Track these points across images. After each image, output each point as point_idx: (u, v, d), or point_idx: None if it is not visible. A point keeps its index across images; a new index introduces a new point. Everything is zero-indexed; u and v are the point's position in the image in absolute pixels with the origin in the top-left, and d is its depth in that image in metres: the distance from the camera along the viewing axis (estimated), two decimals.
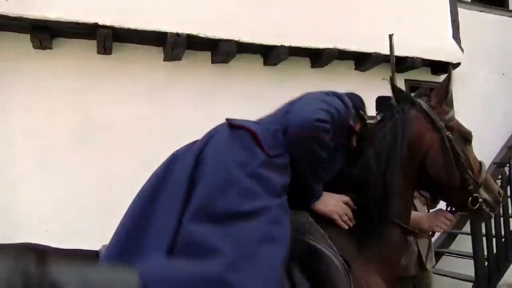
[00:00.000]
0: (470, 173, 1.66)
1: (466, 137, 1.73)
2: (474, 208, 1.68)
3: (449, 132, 1.66)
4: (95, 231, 4.00)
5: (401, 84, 5.59)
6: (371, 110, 5.44)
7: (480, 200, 1.68)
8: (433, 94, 1.75)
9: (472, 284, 4.39)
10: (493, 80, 6.39)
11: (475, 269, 4.33)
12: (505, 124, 6.33)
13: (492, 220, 4.44)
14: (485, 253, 4.35)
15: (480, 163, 1.76)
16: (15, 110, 3.90)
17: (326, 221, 1.53)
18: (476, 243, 4.31)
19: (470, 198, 1.66)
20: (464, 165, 1.64)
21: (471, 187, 1.65)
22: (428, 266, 2.75)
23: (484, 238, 4.35)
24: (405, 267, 2.51)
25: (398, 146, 1.63)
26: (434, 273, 5.00)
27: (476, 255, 4.32)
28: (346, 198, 1.58)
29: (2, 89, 3.89)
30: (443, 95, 1.73)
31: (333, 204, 1.56)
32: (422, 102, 1.73)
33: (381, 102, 2.43)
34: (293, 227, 1.44)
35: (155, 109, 4.34)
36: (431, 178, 1.67)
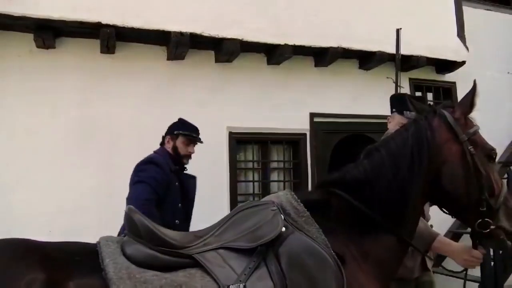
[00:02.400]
0: (487, 195, 1.57)
1: (489, 154, 1.65)
2: (484, 232, 1.60)
3: (471, 147, 1.59)
4: (98, 231, 3.98)
5: (405, 83, 5.56)
6: (373, 109, 5.47)
7: (493, 227, 1.59)
8: (457, 106, 1.71)
9: (478, 284, 4.36)
10: (499, 79, 6.33)
11: (481, 270, 4.29)
12: (511, 123, 6.28)
13: None
14: (491, 253, 4.31)
15: (502, 184, 1.66)
16: (18, 109, 3.90)
17: (320, 213, 1.54)
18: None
19: (479, 221, 1.59)
20: (483, 183, 1.57)
21: (484, 209, 1.57)
22: (429, 265, 2.73)
23: None
24: (410, 270, 2.50)
25: (424, 155, 1.58)
26: (439, 273, 4.98)
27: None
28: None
29: (5, 88, 3.89)
30: (468, 107, 1.68)
31: None
32: (446, 112, 1.68)
33: (396, 100, 2.42)
34: (289, 216, 1.49)
35: (158, 109, 4.33)
36: (445, 191, 1.61)
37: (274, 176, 5.07)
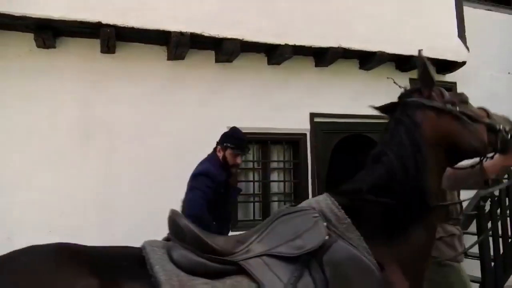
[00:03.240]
0: (489, 121, 1.79)
1: (463, 100, 1.81)
2: (505, 139, 1.82)
3: (453, 107, 1.72)
4: (99, 230, 4.00)
5: (406, 83, 5.54)
6: (372, 109, 5.42)
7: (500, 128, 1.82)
8: (422, 86, 1.81)
9: (478, 285, 4.35)
10: (499, 79, 6.33)
11: (482, 270, 4.29)
12: None
13: (499, 221, 4.41)
14: (492, 253, 4.31)
15: (482, 108, 1.88)
16: (18, 109, 3.90)
17: (355, 220, 1.54)
18: (482, 244, 4.26)
19: (500, 139, 1.80)
20: (482, 120, 1.76)
21: (495, 127, 1.79)
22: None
23: (490, 239, 4.31)
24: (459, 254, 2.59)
25: (423, 151, 1.64)
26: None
27: (482, 256, 4.27)
28: None
29: (5, 88, 3.89)
30: (430, 82, 1.78)
31: None
32: (421, 100, 1.76)
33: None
34: (330, 223, 1.49)
35: (158, 108, 4.33)
36: (461, 152, 1.74)
37: (274, 176, 5.06)
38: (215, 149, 3.40)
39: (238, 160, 3.25)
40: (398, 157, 1.63)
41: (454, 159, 1.79)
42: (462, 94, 1.85)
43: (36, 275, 1.20)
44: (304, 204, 1.67)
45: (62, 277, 1.20)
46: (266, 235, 1.52)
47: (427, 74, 1.78)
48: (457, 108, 1.73)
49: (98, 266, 1.27)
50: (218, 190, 3.16)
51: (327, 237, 1.45)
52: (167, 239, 1.50)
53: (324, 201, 1.60)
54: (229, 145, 3.24)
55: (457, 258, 2.60)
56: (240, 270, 1.38)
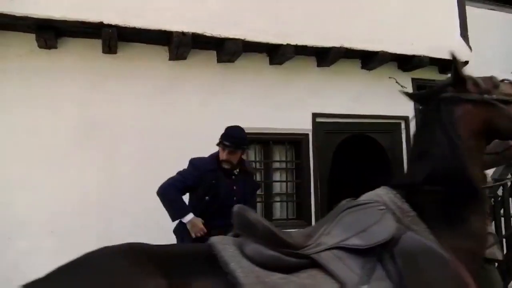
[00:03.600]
0: None
1: (495, 85, 1.81)
2: None
3: (490, 96, 1.74)
4: (100, 230, 3.99)
5: (408, 83, 5.54)
6: (375, 109, 5.43)
7: None
8: (454, 83, 1.81)
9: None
10: (502, 78, 6.30)
11: None
12: None
13: (503, 221, 4.38)
14: None
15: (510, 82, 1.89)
16: (20, 109, 3.90)
17: (420, 210, 1.53)
18: None
19: None
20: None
21: None
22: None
23: None
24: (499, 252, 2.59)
25: (459, 147, 1.66)
26: None
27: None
28: None
29: (6, 89, 3.89)
30: (461, 76, 1.79)
31: None
32: (453, 94, 1.77)
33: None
34: (395, 216, 1.48)
35: (160, 108, 4.33)
36: (501, 136, 1.81)
37: (276, 176, 5.05)
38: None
39: (225, 155, 3.24)
40: (444, 152, 1.64)
41: (489, 141, 1.83)
42: (493, 78, 1.85)
43: (109, 276, 1.20)
44: (364, 197, 1.66)
45: (135, 278, 1.20)
46: (334, 228, 1.51)
47: (459, 68, 1.79)
48: (493, 96, 1.74)
49: (170, 266, 1.26)
50: (206, 179, 3.20)
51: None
52: (234, 235, 1.49)
53: (386, 195, 1.60)
54: (219, 140, 3.29)
55: (496, 254, 2.57)
56: (312, 263, 1.38)
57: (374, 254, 1.39)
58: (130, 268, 1.23)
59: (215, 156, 3.33)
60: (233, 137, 3.25)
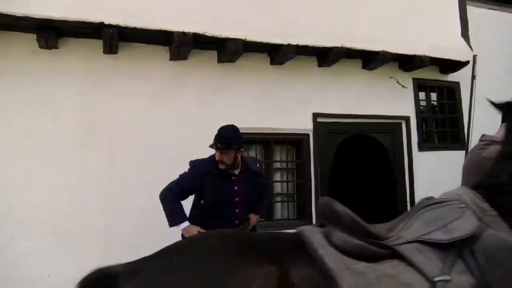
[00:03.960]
0: None
1: None
2: None
3: None
4: (100, 230, 4.00)
5: (409, 83, 5.54)
6: (376, 109, 5.44)
7: None
8: None
9: None
10: (503, 78, 6.29)
11: None
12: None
13: None
14: None
15: None
16: (20, 109, 3.89)
17: (501, 210, 1.55)
18: None
19: None
20: None
21: None
22: None
23: None
24: None
25: None
26: None
27: None
28: None
29: (7, 88, 3.89)
30: None
31: None
32: None
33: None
34: (476, 215, 1.50)
35: (161, 108, 4.33)
36: None
37: (277, 176, 5.05)
38: None
39: (218, 156, 3.21)
40: None
41: None
42: None
43: (216, 262, 1.26)
44: (442, 196, 1.68)
45: (242, 265, 1.25)
46: (414, 223, 1.54)
47: None
48: None
49: (270, 252, 1.32)
50: (202, 182, 3.18)
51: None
52: (320, 225, 1.54)
53: (465, 194, 1.62)
54: (213, 141, 3.26)
55: None
56: (394, 254, 1.41)
57: (454, 249, 1.42)
58: (232, 256, 1.28)
59: (213, 157, 3.30)
60: (224, 137, 3.21)
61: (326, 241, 1.41)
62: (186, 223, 3.09)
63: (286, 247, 1.39)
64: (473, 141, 4.08)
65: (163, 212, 3.18)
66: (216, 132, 3.27)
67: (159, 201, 3.21)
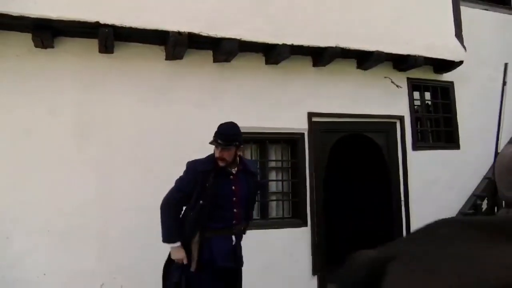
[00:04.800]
0: None
1: None
2: None
3: None
4: (97, 230, 4.01)
5: (403, 83, 5.58)
6: (371, 109, 5.48)
7: None
8: None
9: None
10: (497, 78, 6.33)
11: None
12: (509, 122, 6.29)
13: None
14: None
15: None
16: (16, 109, 3.90)
17: None
18: None
19: None
20: None
21: None
22: None
23: None
24: None
25: None
26: None
27: None
28: None
29: (3, 88, 3.89)
30: None
31: None
32: None
33: None
34: None
35: (156, 108, 4.34)
36: None
37: (272, 175, 5.08)
38: None
39: (218, 153, 3.22)
40: None
41: None
42: None
43: (469, 241, 1.25)
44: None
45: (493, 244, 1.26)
46: None
47: None
48: None
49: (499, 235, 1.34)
50: (200, 181, 3.15)
51: None
52: None
53: None
54: (213, 138, 3.26)
55: None
56: None
57: None
58: (482, 237, 1.30)
59: (211, 156, 3.30)
60: (224, 134, 3.22)
61: None
62: (178, 244, 3.12)
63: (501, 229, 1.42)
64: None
65: (160, 220, 3.19)
66: (216, 130, 3.28)
67: (155, 199, 3.22)
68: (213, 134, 3.28)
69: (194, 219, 3.11)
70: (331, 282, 4.99)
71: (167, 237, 3.14)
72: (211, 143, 3.25)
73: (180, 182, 3.22)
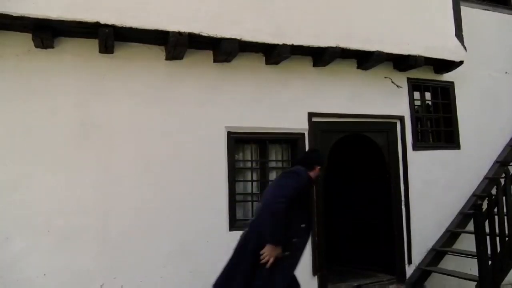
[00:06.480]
0: None
1: None
2: None
3: None
4: (97, 230, 4.01)
5: (403, 83, 5.58)
6: (371, 109, 5.48)
7: None
8: None
9: (475, 283, 4.37)
10: (497, 78, 6.35)
11: (479, 269, 4.31)
12: (509, 123, 6.30)
13: (496, 219, 4.43)
14: (489, 252, 4.33)
15: None
16: (16, 109, 3.89)
17: None
18: (480, 242, 4.28)
19: None
20: None
21: None
22: None
23: (488, 237, 4.33)
24: None
25: None
26: (437, 272, 4.98)
27: (480, 254, 4.29)
28: None
29: (3, 88, 3.89)
30: None
31: None
32: None
33: None
34: None
35: (156, 108, 4.34)
36: None
37: (272, 175, 5.07)
38: (306, 165, 3.47)
39: (318, 173, 3.53)
40: None
41: None
42: None
43: None
44: None
45: None
46: None
47: None
48: None
49: None
50: (303, 192, 3.33)
51: None
52: None
53: None
54: (318, 161, 3.53)
55: None
56: None
57: None
58: None
59: (306, 173, 3.39)
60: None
61: None
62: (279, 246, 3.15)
63: None
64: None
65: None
66: (317, 154, 3.73)
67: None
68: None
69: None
70: (331, 282, 4.99)
71: (279, 239, 3.14)
72: (321, 164, 3.55)
73: (296, 182, 3.25)
